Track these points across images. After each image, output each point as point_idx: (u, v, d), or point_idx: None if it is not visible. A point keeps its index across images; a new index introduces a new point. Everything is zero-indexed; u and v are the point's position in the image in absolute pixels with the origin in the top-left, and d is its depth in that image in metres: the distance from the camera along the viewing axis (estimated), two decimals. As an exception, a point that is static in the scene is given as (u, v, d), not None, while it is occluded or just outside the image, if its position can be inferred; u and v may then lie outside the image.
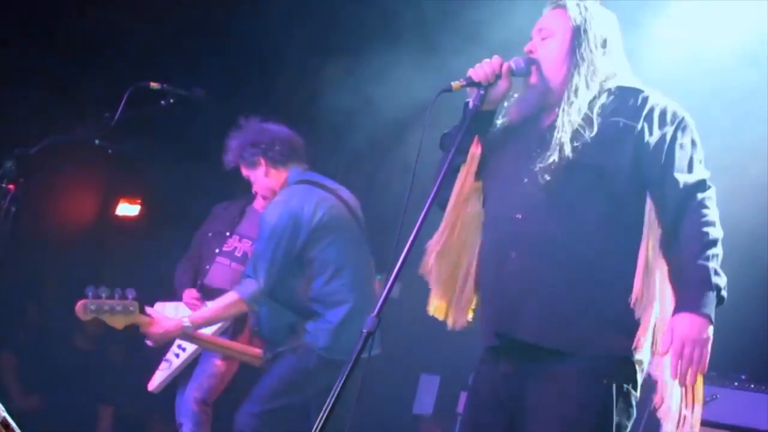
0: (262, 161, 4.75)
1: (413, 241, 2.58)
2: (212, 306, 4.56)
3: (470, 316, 3.08)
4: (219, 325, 4.93)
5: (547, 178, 2.80)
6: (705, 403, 5.01)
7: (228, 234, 5.41)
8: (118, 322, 4.19)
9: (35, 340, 7.44)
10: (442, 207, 3.07)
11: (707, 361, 2.65)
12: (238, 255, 5.34)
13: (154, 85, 4.23)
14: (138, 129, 5.52)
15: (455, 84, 2.92)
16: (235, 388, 5.29)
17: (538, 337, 2.78)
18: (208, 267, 5.34)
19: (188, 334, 4.47)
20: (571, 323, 2.75)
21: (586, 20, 2.93)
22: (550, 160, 2.80)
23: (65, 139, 4.27)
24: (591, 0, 3.01)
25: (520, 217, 2.84)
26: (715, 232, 2.72)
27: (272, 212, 4.51)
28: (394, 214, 2.75)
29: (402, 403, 7.29)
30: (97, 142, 4.49)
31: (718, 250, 2.70)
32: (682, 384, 2.67)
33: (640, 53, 4.09)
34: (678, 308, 2.68)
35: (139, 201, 8.40)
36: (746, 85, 4.90)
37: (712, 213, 2.75)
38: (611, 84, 2.92)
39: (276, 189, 4.78)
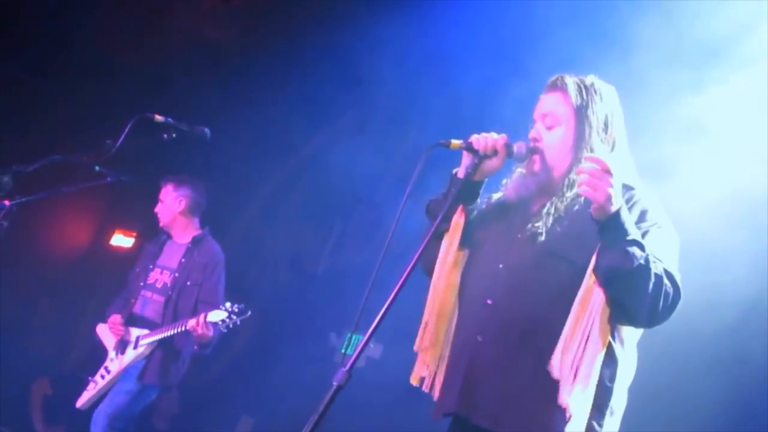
0: None
1: (391, 304, 2.52)
2: None
3: None
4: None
5: (521, 267, 2.81)
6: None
7: (151, 267, 5.85)
8: None
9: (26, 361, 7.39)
10: (429, 274, 3.07)
11: None
12: (159, 286, 5.75)
13: (158, 117, 4.22)
14: (140, 160, 5.56)
15: (454, 142, 2.93)
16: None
17: (493, 422, 2.75)
18: (134, 301, 5.77)
19: None
20: (530, 410, 2.71)
21: (588, 105, 2.92)
22: (527, 249, 2.82)
23: (65, 160, 4.24)
24: (591, 75, 3.02)
25: (490, 302, 2.85)
26: None
27: None
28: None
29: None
30: (97, 168, 4.48)
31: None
32: None
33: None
34: None
35: (134, 234, 8.38)
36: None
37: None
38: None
39: None
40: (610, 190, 2.57)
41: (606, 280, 2.65)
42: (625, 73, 4.63)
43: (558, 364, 2.66)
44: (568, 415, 2.65)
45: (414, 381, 3.07)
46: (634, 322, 2.74)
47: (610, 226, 2.62)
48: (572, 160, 2.90)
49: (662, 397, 4.80)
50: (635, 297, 2.61)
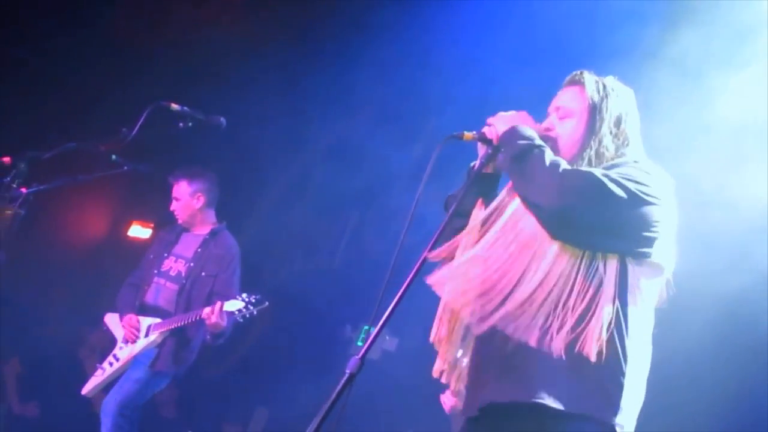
0: None
1: (403, 295, 2.52)
2: None
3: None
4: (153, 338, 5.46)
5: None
6: None
7: (165, 255, 5.83)
8: None
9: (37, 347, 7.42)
10: None
11: None
12: (173, 274, 5.74)
13: (174, 106, 4.20)
14: (157, 150, 5.55)
15: (467, 134, 2.95)
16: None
17: (515, 394, 2.74)
18: (146, 287, 5.74)
19: None
20: (552, 385, 2.69)
21: (602, 99, 2.95)
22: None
23: (81, 148, 4.23)
24: (610, 76, 3.04)
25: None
26: None
27: None
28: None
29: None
30: (113, 157, 4.47)
31: None
32: None
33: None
34: None
35: (152, 225, 8.37)
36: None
37: None
38: (616, 162, 2.90)
39: None
40: (504, 114, 2.90)
41: (511, 177, 2.85)
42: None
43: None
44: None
45: (435, 374, 3.06)
46: (543, 207, 2.73)
47: (506, 136, 2.85)
48: (579, 149, 2.92)
49: (677, 391, 4.79)
50: (532, 175, 2.74)
